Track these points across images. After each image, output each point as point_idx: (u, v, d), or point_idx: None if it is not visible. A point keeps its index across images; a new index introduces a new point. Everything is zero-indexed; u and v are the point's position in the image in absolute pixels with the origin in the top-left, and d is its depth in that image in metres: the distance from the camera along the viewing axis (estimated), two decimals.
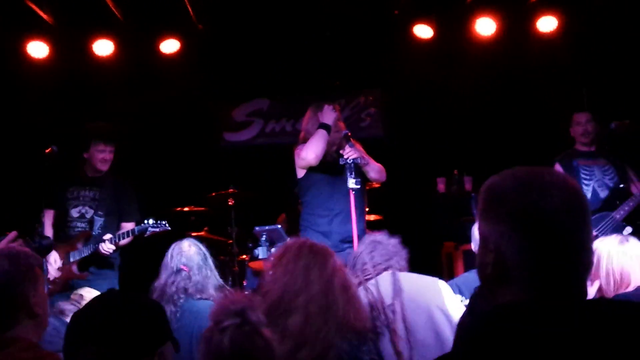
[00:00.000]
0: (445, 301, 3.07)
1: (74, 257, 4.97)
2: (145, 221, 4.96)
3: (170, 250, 3.76)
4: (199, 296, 3.61)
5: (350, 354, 2.53)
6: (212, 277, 3.72)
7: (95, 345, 1.73)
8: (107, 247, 4.91)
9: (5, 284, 2.18)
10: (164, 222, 4.97)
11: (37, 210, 5.12)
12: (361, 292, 2.96)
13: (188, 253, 3.71)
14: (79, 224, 5.11)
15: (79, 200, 5.14)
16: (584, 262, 1.40)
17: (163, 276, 3.66)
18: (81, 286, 4.25)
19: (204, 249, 3.82)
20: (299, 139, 5.04)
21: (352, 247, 4.47)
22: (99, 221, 5.11)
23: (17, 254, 2.30)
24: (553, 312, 1.31)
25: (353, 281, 2.86)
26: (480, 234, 1.47)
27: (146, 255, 4.72)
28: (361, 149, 4.91)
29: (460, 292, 3.63)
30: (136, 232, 4.96)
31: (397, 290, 2.99)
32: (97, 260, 5.02)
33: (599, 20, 6.60)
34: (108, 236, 4.96)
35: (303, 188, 4.93)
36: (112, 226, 5.10)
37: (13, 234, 3.78)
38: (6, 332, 2.14)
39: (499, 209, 1.42)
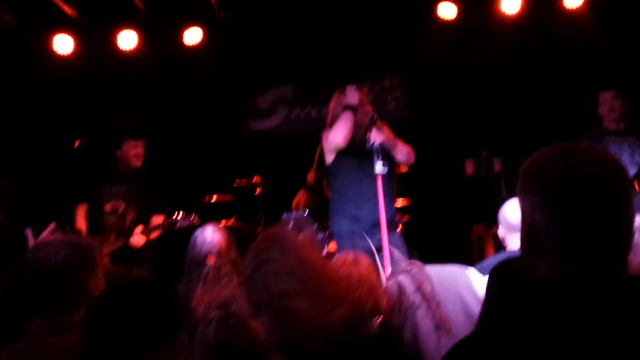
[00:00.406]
0: (474, 284, 3.04)
1: (106, 249, 5.03)
2: (176, 214, 5.01)
3: (193, 240, 3.64)
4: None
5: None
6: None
7: (113, 331, 1.76)
8: (137, 240, 4.97)
9: (67, 270, 2.26)
10: (192, 217, 5.00)
11: (69, 205, 5.20)
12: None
13: (212, 240, 3.60)
14: (112, 218, 5.19)
15: (112, 195, 5.23)
16: (620, 237, 1.37)
17: (188, 267, 3.57)
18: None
19: (227, 235, 3.71)
20: (326, 123, 5.01)
21: (380, 232, 4.44)
22: (131, 213, 5.19)
23: (77, 242, 2.38)
24: (583, 287, 1.29)
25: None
26: (520, 208, 1.47)
27: (177, 247, 4.74)
28: (388, 130, 4.86)
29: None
30: (166, 226, 5.00)
31: (422, 278, 2.95)
32: (128, 253, 5.07)
33: None
34: (139, 229, 5.01)
35: (332, 173, 4.89)
36: (143, 219, 5.16)
37: (52, 225, 3.83)
38: (67, 317, 2.20)
39: (534, 181, 1.42)
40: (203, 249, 3.61)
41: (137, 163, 5.25)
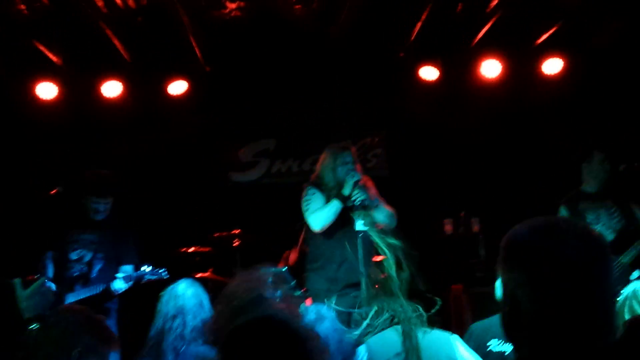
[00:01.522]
0: (457, 354, 3.01)
1: (70, 298, 4.92)
2: (144, 267, 4.90)
3: (165, 294, 3.63)
4: (200, 341, 3.45)
5: None
6: None
7: None
8: (118, 286, 4.86)
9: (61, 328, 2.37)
10: (162, 270, 4.91)
11: (39, 252, 5.10)
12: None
13: (183, 297, 3.57)
14: (77, 266, 5.07)
15: (79, 243, 5.11)
16: (605, 314, 1.36)
17: (159, 322, 3.54)
18: None
19: (201, 290, 3.68)
20: (310, 178, 5.03)
21: (358, 291, 4.42)
22: (97, 264, 5.07)
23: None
24: None
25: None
26: (502, 282, 1.46)
27: (145, 299, 4.67)
28: (374, 190, 4.88)
29: (489, 336, 3.46)
30: (134, 279, 4.90)
31: (411, 343, 2.93)
32: (93, 304, 4.95)
33: (604, 63, 6.63)
34: (121, 274, 4.92)
35: (310, 231, 4.88)
36: (111, 269, 5.06)
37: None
38: None
39: (516, 258, 1.41)
40: (173, 305, 3.55)
41: (97, 217, 5.13)
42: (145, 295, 4.83)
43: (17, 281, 3.86)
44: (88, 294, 4.91)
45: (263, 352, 1.82)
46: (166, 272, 4.90)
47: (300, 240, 6.70)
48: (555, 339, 1.34)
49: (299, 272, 5.38)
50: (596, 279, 1.36)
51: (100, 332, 2.43)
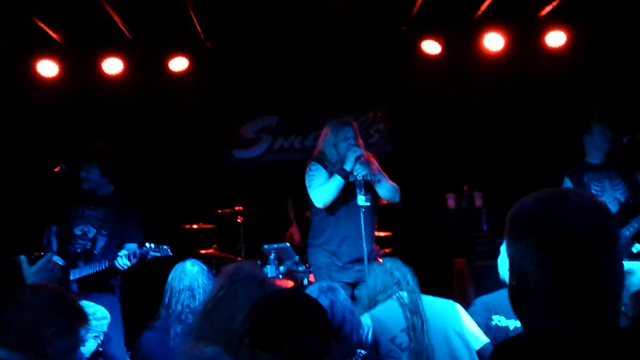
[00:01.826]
0: (462, 325, 3.03)
1: (74, 274, 4.94)
2: (147, 245, 4.92)
3: (172, 272, 3.76)
4: None
5: None
6: None
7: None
8: (122, 263, 4.88)
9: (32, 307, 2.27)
10: (165, 247, 4.93)
11: (43, 227, 5.13)
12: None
13: (192, 273, 3.71)
14: (80, 242, 5.09)
15: (83, 219, 5.12)
16: (610, 286, 1.35)
17: (168, 298, 3.67)
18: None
19: (206, 268, 3.83)
20: (313, 153, 5.02)
21: (362, 266, 4.44)
22: (101, 240, 5.08)
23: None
24: (575, 341, 1.27)
25: None
26: (508, 256, 1.45)
27: (149, 276, 4.70)
28: (377, 165, 4.88)
29: (493, 311, 3.48)
30: (137, 256, 4.92)
31: (416, 310, 2.94)
32: (98, 281, 4.98)
33: (607, 35, 6.58)
34: (124, 252, 4.94)
35: (314, 207, 4.88)
36: (114, 246, 5.07)
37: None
38: (11, 352, 2.19)
39: (523, 229, 1.40)
40: (183, 280, 3.68)
41: (86, 187, 5.13)
42: (149, 272, 4.88)
43: (23, 258, 3.87)
44: (92, 271, 4.94)
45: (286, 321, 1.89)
46: (169, 249, 4.92)
47: (292, 216, 6.75)
48: (562, 312, 1.33)
49: (301, 248, 5.42)
50: (603, 250, 1.35)
51: (73, 312, 2.37)
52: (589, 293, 1.33)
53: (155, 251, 4.88)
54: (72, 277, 4.93)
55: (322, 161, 4.88)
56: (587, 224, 1.34)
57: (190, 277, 3.70)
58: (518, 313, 1.41)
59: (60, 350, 2.24)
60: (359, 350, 2.83)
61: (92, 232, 5.09)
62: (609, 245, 1.36)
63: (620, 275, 1.39)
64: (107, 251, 5.00)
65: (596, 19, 6.55)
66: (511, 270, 1.43)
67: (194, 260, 3.84)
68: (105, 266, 4.89)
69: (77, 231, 5.08)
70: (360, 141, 4.90)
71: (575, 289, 1.33)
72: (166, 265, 3.97)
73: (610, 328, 1.34)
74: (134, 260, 4.86)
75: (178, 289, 3.66)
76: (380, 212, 5.10)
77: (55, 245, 5.04)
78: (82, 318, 2.40)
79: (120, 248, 5.05)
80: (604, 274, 1.34)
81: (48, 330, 2.22)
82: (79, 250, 5.05)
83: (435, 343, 2.92)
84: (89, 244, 5.06)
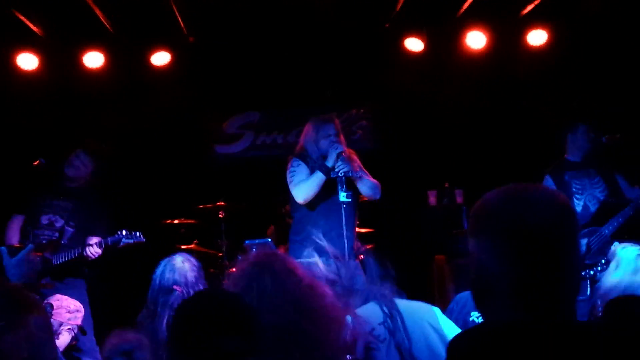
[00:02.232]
0: (438, 320, 3.04)
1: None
2: (119, 232, 4.90)
3: (161, 267, 3.58)
4: None
5: None
6: None
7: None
8: (94, 251, 4.85)
9: None
10: (137, 233, 4.91)
11: (4, 214, 5.09)
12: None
13: (181, 270, 3.54)
14: (46, 232, 5.05)
15: (51, 208, 5.09)
16: (569, 281, 1.36)
17: (153, 295, 3.51)
18: (48, 295, 4.17)
19: (197, 264, 3.67)
20: (295, 150, 5.02)
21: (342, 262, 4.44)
22: (69, 232, 5.06)
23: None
24: (535, 335, 1.28)
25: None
26: (470, 250, 1.46)
27: (115, 265, 4.66)
28: (358, 162, 4.88)
29: (472, 308, 3.50)
30: (109, 243, 4.89)
31: (392, 308, 2.93)
32: (66, 270, 4.95)
33: (588, 34, 6.64)
34: (94, 240, 4.91)
35: (295, 203, 4.88)
36: (80, 239, 5.05)
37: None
38: None
39: (484, 223, 1.41)
40: (171, 277, 3.52)
41: (70, 173, 5.12)
42: (117, 259, 4.83)
43: (3, 249, 3.83)
44: (62, 260, 4.91)
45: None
46: (142, 235, 4.90)
47: (281, 214, 6.74)
48: (522, 304, 1.33)
49: (282, 242, 5.41)
50: (562, 245, 1.36)
51: (22, 302, 2.19)
52: (548, 287, 1.34)
53: (128, 238, 4.85)
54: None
55: (304, 157, 4.88)
56: (547, 219, 1.35)
57: (180, 274, 3.53)
58: (479, 306, 1.42)
59: (11, 344, 2.15)
60: (348, 356, 2.82)
61: (60, 222, 5.06)
62: (568, 240, 1.37)
63: (578, 269, 1.40)
64: (75, 242, 4.97)
65: (577, 18, 6.60)
66: (472, 264, 1.44)
67: (184, 255, 3.67)
68: (76, 254, 4.86)
69: (44, 220, 5.05)
70: (342, 138, 4.90)
71: (534, 283, 1.33)
72: (139, 253, 3.86)
73: (568, 322, 1.35)
74: (105, 247, 4.83)
75: (166, 287, 3.50)
76: (361, 209, 5.11)
77: (15, 235, 4.99)
78: (32, 305, 2.28)
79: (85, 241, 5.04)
80: (562, 268, 1.35)
81: None
82: (44, 241, 5.01)
83: (412, 337, 2.92)
84: (57, 234, 5.03)
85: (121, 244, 4.88)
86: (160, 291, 3.51)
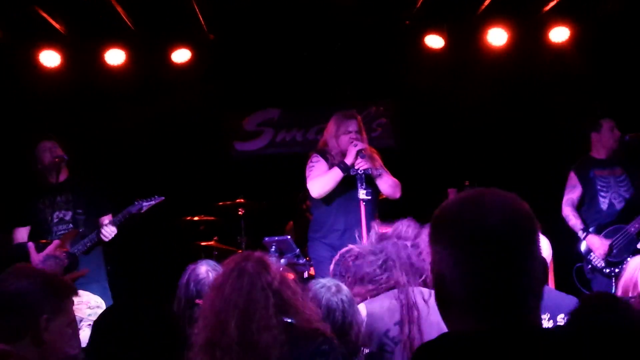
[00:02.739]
0: None
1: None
2: (136, 201, 4.94)
3: (185, 276, 3.41)
4: None
5: None
6: None
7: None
8: (110, 230, 4.88)
9: (23, 298, 2.17)
10: (155, 196, 4.95)
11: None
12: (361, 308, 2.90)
13: (205, 282, 3.33)
14: (61, 227, 5.09)
15: (54, 206, 5.11)
16: (528, 286, 1.32)
17: (179, 306, 3.34)
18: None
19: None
20: (318, 145, 5.04)
21: None
22: (80, 219, 5.10)
23: (50, 276, 2.30)
24: (493, 344, 1.25)
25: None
26: (431, 258, 1.42)
27: (137, 262, 4.66)
28: (379, 160, 4.87)
29: None
30: (133, 211, 4.92)
31: (410, 307, 2.91)
32: (86, 264, 4.97)
33: (611, 31, 6.56)
34: (106, 219, 4.93)
35: (314, 199, 4.89)
36: (93, 222, 5.09)
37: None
38: (7, 344, 2.11)
39: (440, 232, 1.37)
40: (194, 289, 3.42)
41: (48, 159, 5.12)
42: (141, 256, 4.82)
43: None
44: (84, 248, 4.94)
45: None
46: (158, 196, 4.94)
47: (301, 209, 6.74)
48: (481, 312, 1.29)
49: (302, 238, 5.40)
50: (519, 250, 1.31)
51: (61, 288, 2.26)
52: (506, 294, 1.29)
53: (148, 201, 4.90)
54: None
55: (324, 153, 4.88)
56: (502, 223, 1.31)
57: (203, 287, 3.29)
58: (442, 316, 1.39)
59: (57, 332, 2.19)
60: (363, 349, 2.81)
61: (69, 214, 5.10)
62: (524, 245, 1.32)
63: (537, 275, 1.34)
64: (89, 228, 5.03)
65: (600, 15, 6.52)
66: (432, 272, 1.40)
67: (209, 264, 3.47)
68: (94, 240, 4.91)
69: (55, 219, 5.08)
70: (364, 135, 4.89)
71: (492, 290, 1.29)
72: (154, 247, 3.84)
73: (530, 328, 1.31)
74: (119, 222, 4.86)
75: (188, 300, 3.32)
76: (381, 207, 5.09)
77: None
78: (69, 290, 2.31)
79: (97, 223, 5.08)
80: (520, 273, 1.31)
81: (42, 317, 2.14)
82: (62, 234, 5.04)
83: (427, 337, 2.89)
84: (71, 225, 5.06)
85: (144, 209, 4.91)
86: (186, 303, 3.37)
